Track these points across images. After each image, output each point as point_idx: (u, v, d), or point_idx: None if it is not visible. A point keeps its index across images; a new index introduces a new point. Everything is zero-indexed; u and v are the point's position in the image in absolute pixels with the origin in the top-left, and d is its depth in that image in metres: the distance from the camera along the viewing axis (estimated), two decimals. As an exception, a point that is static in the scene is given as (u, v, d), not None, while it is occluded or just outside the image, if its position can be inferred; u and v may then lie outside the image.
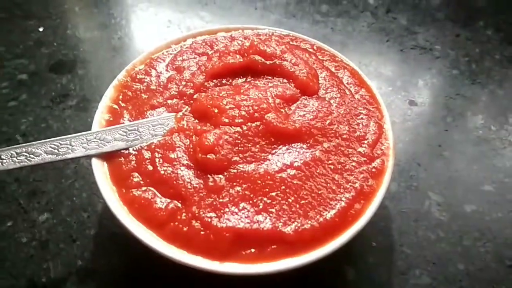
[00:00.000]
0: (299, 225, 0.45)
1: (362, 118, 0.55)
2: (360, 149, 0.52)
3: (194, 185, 0.48)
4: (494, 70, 0.79)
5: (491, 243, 0.57)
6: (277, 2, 0.92)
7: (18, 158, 0.48)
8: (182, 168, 0.49)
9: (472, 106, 0.73)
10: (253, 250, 0.44)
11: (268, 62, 0.58)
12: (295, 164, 0.49)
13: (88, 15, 0.89)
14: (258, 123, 0.51)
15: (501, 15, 0.90)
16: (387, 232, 0.58)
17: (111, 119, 0.55)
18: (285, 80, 0.58)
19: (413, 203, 0.61)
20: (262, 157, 0.50)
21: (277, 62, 0.58)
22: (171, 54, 0.62)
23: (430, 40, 0.85)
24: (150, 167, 0.49)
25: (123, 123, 0.54)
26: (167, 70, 0.60)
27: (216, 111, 0.53)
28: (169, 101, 0.56)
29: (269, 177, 0.48)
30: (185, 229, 0.45)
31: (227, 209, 0.46)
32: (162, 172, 0.48)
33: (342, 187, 0.48)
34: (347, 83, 0.59)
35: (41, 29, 0.84)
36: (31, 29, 0.84)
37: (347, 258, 0.55)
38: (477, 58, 0.81)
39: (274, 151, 0.50)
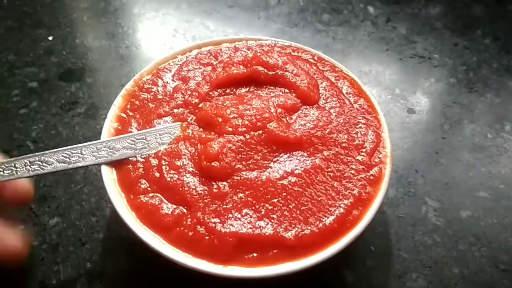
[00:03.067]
0: (299, 230, 0.47)
1: (360, 127, 0.56)
2: (359, 157, 0.53)
3: (199, 192, 0.49)
4: (491, 78, 0.81)
5: (486, 248, 0.58)
6: (279, 11, 0.94)
7: (32, 166, 0.50)
8: (188, 175, 0.50)
9: (469, 114, 0.75)
10: (255, 254, 0.46)
11: (270, 73, 0.60)
12: (296, 171, 0.51)
13: (96, 24, 0.91)
14: (260, 131, 0.53)
15: (499, 24, 0.91)
16: (385, 236, 0.59)
17: (119, 127, 0.56)
18: (286, 90, 0.59)
19: (410, 209, 0.62)
20: (264, 165, 0.52)
21: (279, 73, 0.60)
22: (177, 64, 0.64)
23: (428, 49, 0.86)
24: (157, 174, 0.51)
25: (131, 131, 0.55)
26: (173, 80, 0.62)
27: (220, 120, 0.54)
28: (175, 110, 0.58)
29: (271, 184, 0.50)
30: (190, 234, 0.47)
31: (230, 215, 0.48)
32: (169, 179, 0.50)
33: (341, 194, 0.50)
34: (347, 93, 0.60)
35: (50, 38, 0.86)
36: (41, 38, 0.86)
37: (346, 262, 0.56)
38: (474, 67, 0.83)
39: (275, 159, 0.52)
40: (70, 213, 0.60)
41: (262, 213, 0.48)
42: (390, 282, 0.55)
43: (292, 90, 0.59)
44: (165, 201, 0.49)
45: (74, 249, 0.57)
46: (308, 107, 0.58)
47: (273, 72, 0.60)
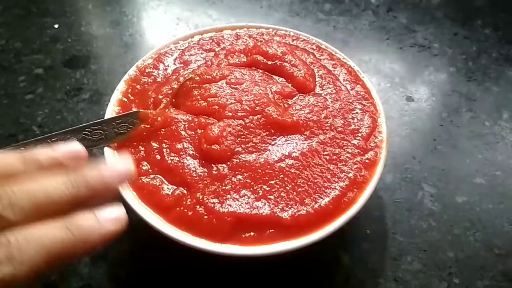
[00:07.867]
0: (295, 211, 0.48)
1: (357, 113, 0.57)
2: (355, 141, 0.54)
3: (199, 174, 0.50)
4: (490, 68, 0.81)
5: (480, 233, 0.59)
6: (281, 1, 0.95)
7: None
8: (188, 158, 0.52)
9: (468, 102, 0.75)
10: (252, 233, 0.47)
11: (269, 63, 0.62)
12: (293, 154, 0.52)
13: (101, 13, 0.92)
14: (259, 116, 0.54)
15: (499, 14, 0.91)
16: (381, 220, 0.60)
17: (121, 111, 0.57)
18: (283, 80, 0.61)
19: (407, 194, 0.63)
20: (263, 148, 0.53)
21: (278, 63, 0.61)
22: (179, 49, 0.65)
23: (428, 38, 0.87)
24: (158, 157, 0.52)
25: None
26: (174, 64, 0.63)
27: (216, 107, 0.56)
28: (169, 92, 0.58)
29: (268, 166, 0.51)
30: (189, 213, 0.48)
31: (229, 196, 0.49)
32: (169, 161, 0.51)
33: (336, 176, 0.51)
34: (343, 80, 0.61)
35: (56, 26, 0.87)
36: (47, 26, 0.87)
37: (342, 245, 0.57)
38: (474, 56, 0.83)
39: (273, 142, 0.53)
40: (74, 195, 0.62)
41: (260, 194, 0.49)
42: (385, 264, 0.56)
43: (289, 80, 0.60)
44: (165, 182, 0.51)
45: (78, 230, 0.58)
46: (304, 94, 0.59)
47: (272, 62, 0.62)
